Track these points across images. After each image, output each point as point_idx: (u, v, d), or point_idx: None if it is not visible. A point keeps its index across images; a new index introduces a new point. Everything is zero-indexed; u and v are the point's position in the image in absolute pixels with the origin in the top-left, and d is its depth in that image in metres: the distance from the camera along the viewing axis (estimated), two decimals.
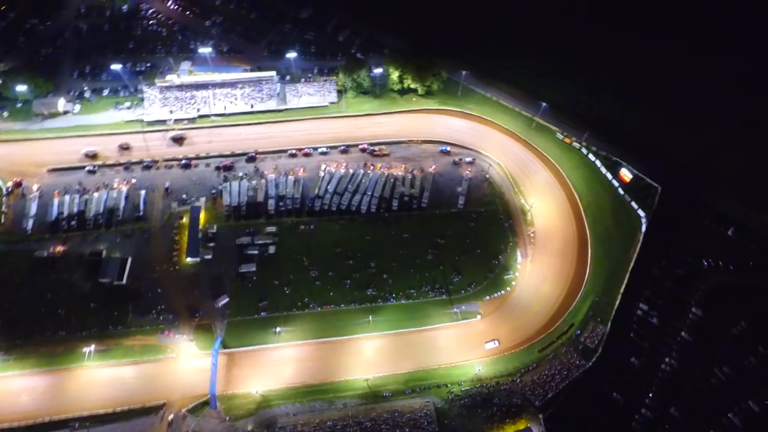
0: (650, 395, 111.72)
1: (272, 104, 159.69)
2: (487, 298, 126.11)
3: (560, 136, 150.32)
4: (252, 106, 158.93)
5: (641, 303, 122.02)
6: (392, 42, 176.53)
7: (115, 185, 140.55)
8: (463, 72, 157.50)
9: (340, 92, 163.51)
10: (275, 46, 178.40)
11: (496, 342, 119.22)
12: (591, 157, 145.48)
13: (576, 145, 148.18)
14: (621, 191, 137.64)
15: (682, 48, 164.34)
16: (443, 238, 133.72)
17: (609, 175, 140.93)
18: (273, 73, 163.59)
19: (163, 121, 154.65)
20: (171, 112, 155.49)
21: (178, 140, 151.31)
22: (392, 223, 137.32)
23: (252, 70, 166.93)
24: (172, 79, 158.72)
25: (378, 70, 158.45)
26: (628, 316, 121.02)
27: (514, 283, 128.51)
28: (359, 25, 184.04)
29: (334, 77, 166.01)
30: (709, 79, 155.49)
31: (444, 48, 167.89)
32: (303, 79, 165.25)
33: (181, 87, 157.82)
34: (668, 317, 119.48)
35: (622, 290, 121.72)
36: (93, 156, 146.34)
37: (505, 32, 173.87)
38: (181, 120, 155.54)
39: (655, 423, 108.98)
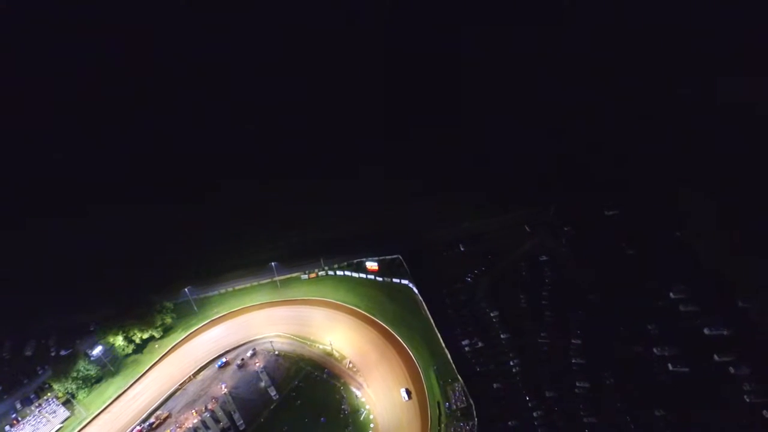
0: (528, 399, 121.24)
1: None
2: None
3: (305, 276, 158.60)
4: None
5: (462, 341, 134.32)
6: (94, 318, 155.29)
7: None
8: (186, 288, 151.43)
9: (68, 401, 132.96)
10: None
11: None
12: (339, 272, 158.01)
13: (322, 273, 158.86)
14: (379, 279, 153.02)
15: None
16: None
17: (362, 275, 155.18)
18: None
19: None
20: None
21: None
22: None
23: None
24: None
25: (97, 350, 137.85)
26: (463, 357, 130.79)
27: (372, 416, 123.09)
28: (45, 320, 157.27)
29: (49, 393, 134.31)
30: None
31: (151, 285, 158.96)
32: (8, 426, 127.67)
33: None
34: (483, 334, 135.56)
35: (443, 344, 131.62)
36: None
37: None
38: None
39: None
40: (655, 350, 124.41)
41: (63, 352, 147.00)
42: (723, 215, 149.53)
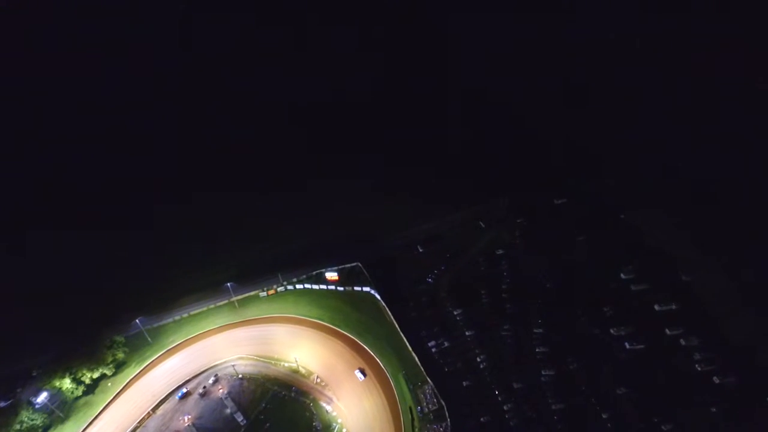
0: (497, 393, 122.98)
1: None
2: None
3: (264, 293, 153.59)
4: None
5: (428, 342, 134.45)
6: (35, 362, 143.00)
7: None
8: (138, 319, 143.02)
9: None
10: None
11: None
12: (299, 285, 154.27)
13: (281, 288, 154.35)
14: (340, 288, 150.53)
15: None
16: None
17: (323, 286, 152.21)
18: None
19: None
20: None
21: None
22: None
23: None
24: None
25: (42, 396, 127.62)
26: (431, 359, 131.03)
27: (344, 429, 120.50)
28: None
29: None
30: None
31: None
32: None
33: None
34: (448, 333, 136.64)
35: (410, 348, 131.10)
36: None
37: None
38: None
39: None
40: (612, 331, 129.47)
41: (2, 404, 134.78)
42: (661, 195, 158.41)
